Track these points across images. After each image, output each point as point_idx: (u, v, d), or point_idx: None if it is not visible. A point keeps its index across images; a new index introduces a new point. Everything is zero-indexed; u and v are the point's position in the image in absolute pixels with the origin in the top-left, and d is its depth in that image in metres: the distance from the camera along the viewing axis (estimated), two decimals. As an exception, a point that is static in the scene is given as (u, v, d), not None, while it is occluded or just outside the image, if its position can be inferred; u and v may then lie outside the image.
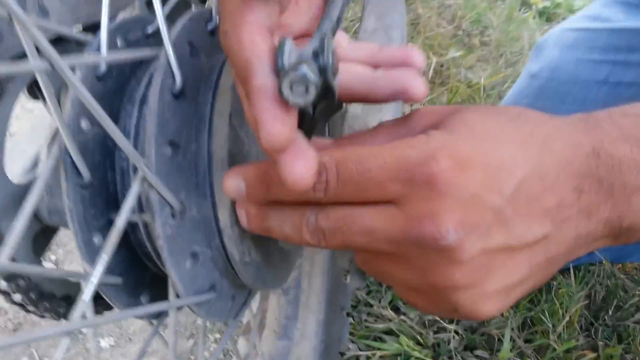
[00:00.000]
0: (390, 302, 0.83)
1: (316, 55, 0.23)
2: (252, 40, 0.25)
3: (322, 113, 0.28)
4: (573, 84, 0.72)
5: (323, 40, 0.24)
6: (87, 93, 0.26)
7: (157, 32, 0.36)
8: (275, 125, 0.23)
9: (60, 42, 0.40)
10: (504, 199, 0.26)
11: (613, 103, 0.68)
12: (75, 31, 0.45)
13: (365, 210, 0.27)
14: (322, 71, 0.23)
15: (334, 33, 0.27)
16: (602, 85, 0.71)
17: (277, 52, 0.24)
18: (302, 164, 0.24)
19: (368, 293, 0.84)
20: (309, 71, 0.22)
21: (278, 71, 0.24)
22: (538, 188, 0.27)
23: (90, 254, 0.31)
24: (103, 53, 0.32)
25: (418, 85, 0.29)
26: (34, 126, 0.45)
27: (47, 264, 0.86)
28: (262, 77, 0.24)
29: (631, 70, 0.69)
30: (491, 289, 0.28)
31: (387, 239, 0.27)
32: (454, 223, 0.25)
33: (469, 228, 0.26)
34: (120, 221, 0.28)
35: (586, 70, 0.72)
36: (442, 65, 1.41)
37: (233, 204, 0.31)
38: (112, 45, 0.34)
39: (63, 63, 0.24)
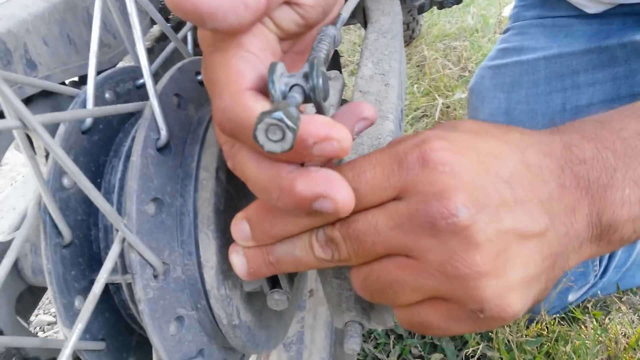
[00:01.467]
0: (399, 356, 0.79)
1: (306, 77, 0.23)
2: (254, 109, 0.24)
3: None
4: (534, 122, 0.70)
5: (313, 62, 0.23)
6: (62, 152, 0.24)
7: (147, 84, 0.35)
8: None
9: (51, 95, 0.40)
10: (503, 181, 0.26)
11: None
12: (67, 83, 0.45)
13: (372, 211, 0.26)
14: (312, 90, 0.23)
15: (325, 62, 0.27)
16: (562, 114, 0.69)
17: (268, 77, 0.23)
18: (344, 187, 0.24)
19: (376, 347, 0.80)
20: (285, 116, 0.21)
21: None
22: (528, 177, 0.27)
23: (70, 318, 0.29)
24: (89, 107, 0.31)
25: (366, 107, 0.29)
26: (25, 179, 0.44)
27: (46, 317, 0.84)
28: None
29: (583, 92, 0.67)
30: (514, 279, 0.26)
31: (397, 232, 0.25)
32: (462, 200, 0.24)
33: (479, 206, 0.25)
34: (98, 286, 0.26)
35: (540, 105, 0.70)
36: (448, 107, 1.41)
37: (219, 263, 0.30)
38: (100, 98, 0.34)
39: (36, 122, 0.23)
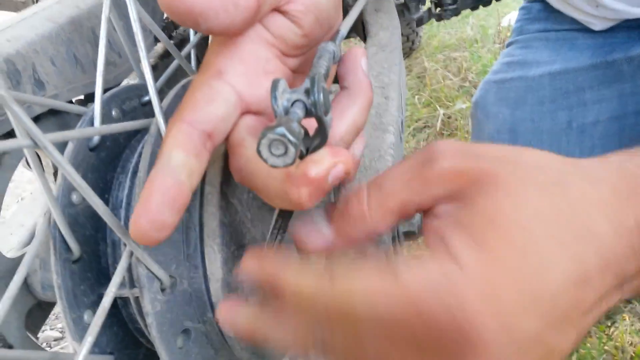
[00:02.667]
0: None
1: (307, 92, 0.24)
2: None
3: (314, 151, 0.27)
4: (540, 140, 0.69)
5: (314, 78, 0.24)
6: (72, 169, 0.25)
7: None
8: None
9: (59, 114, 0.41)
10: (542, 323, 0.22)
11: (589, 149, 0.65)
12: (74, 101, 0.46)
13: None
14: (313, 105, 0.24)
15: (325, 77, 0.27)
16: (569, 132, 0.68)
17: (270, 93, 0.24)
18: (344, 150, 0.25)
19: None
20: (287, 131, 0.22)
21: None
22: (580, 295, 0.22)
23: (80, 332, 0.30)
24: (96, 125, 0.32)
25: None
26: (33, 196, 0.45)
27: (52, 333, 0.85)
28: None
29: (590, 109, 0.66)
30: None
31: None
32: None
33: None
34: (107, 300, 0.27)
35: (546, 122, 0.68)
36: (449, 117, 1.41)
37: (225, 276, 0.30)
38: (106, 116, 0.34)
39: (46, 140, 0.24)
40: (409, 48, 1.64)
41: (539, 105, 0.67)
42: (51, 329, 0.87)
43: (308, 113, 0.24)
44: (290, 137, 0.21)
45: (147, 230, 0.23)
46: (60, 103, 0.32)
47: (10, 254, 0.37)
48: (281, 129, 0.21)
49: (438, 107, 1.43)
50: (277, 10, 0.28)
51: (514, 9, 1.86)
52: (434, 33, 1.84)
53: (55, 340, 0.87)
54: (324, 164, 0.24)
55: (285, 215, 0.29)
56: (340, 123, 0.28)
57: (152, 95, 0.32)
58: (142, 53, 0.32)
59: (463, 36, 1.81)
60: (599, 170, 0.25)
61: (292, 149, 0.21)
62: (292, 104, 0.24)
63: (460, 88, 1.53)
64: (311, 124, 0.25)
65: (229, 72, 0.27)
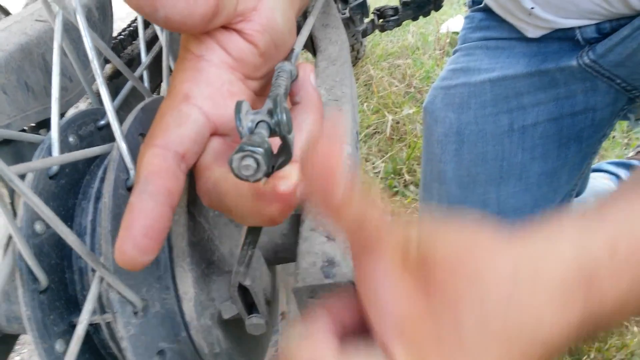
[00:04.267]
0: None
1: (270, 113, 0.25)
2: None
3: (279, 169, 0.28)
4: (484, 142, 0.72)
5: (275, 99, 0.25)
6: (37, 199, 0.25)
7: (109, 124, 0.36)
8: None
9: (12, 142, 0.40)
10: None
11: (530, 148, 0.69)
12: (27, 130, 0.45)
13: None
14: (277, 125, 0.25)
15: (285, 97, 0.29)
16: (511, 133, 0.71)
17: (235, 115, 0.25)
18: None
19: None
20: (258, 146, 0.23)
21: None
22: None
23: (51, 362, 0.30)
24: (55, 154, 0.32)
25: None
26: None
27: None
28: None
29: (529, 112, 0.70)
30: None
31: None
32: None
33: None
34: (81, 328, 0.27)
35: (489, 125, 0.72)
36: (397, 122, 1.45)
37: (197, 295, 0.31)
38: (63, 142, 0.34)
39: (10, 172, 0.24)
40: (355, 57, 1.67)
41: (482, 109, 0.71)
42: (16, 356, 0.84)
43: (272, 133, 0.25)
44: (261, 151, 0.23)
45: (133, 255, 0.24)
46: (16, 133, 0.31)
47: (-32, 289, 0.36)
48: (251, 145, 0.23)
49: (387, 113, 1.47)
50: (234, 29, 0.29)
51: (451, 16, 1.94)
52: (377, 42, 1.89)
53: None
54: (292, 179, 0.25)
55: (255, 232, 0.30)
56: (299, 137, 0.29)
57: (112, 120, 0.32)
58: (100, 79, 0.32)
59: (405, 44, 1.86)
60: (550, 261, 0.24)
61: (263, 162, 0.23)
62: (256, 125, 0.25)
63: (406, 94, 1.58)
64: (273, 142, 0.26)
65: (196, 95, 0.28)
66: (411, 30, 1.93)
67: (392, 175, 1.30)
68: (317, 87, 0.33)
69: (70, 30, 0.42)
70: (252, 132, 0.25)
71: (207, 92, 0.28)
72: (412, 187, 1.27)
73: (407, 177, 1.29)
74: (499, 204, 0.72)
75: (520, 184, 0.70)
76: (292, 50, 0.33)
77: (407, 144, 1.38)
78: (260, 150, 0.23)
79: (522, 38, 0.70)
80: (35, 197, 0.25)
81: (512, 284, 0.24)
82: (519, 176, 0.70)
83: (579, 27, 0.64)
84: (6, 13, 0.65)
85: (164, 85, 0.45)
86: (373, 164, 1.35)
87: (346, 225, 0.24)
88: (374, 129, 1.46)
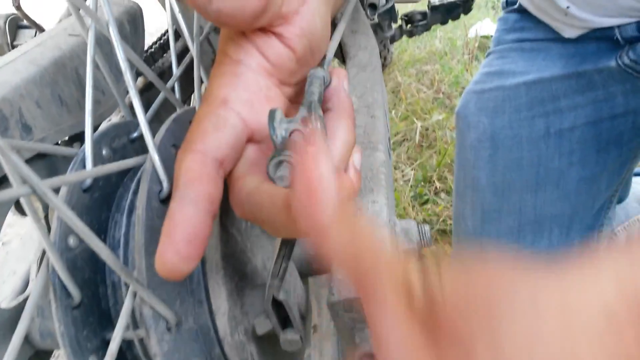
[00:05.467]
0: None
1: (304, 121, 0.25)
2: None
3: None
4: (520, 147, 0.70)
5: (310, 106, 0.25)
6: (72, 213, 0.25)
7: (142, 137, 0.36)
8: None
9: (46, 156, 0.40)
10: None
11: (568, 153, 0.66)
12: (60, 144, 0.45)
13: None
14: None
15: (319, 104, 0.28)
16: (547, 138, 0.69)
17: (269, 124, 0.24)
18: None
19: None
20: (292, 153, 0.23)
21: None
22: None
23: (85, 378, 0.29)
24: (88, 167, 0.32)
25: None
26: (23, 242, 0.44)
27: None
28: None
29: (566, 115, 0.68)
30: None
31: None
32: None
33: None
34: (114, 345, 0.26)
35: (524, 130, 0.70)
36: (427, 129, 1.43)
37: (230, 309, 0.30)
38: (97, 155, 0.34)
39: (45, 187, 0.24)
40: (382, 64, 1.67)
41: (517, 113, 0.69)
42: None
43: None
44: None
45: (174, 263, 0.23)
46: (50, 147, 0.31)
47: (4, 303, 0.36)
48: (285, 152, 0.22)
49: (415, 120, 1.45)
50: (273, 33, 0.29)
51: (479, 19, 1.91)
52: (404, 48, 1.87)
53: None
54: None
55: (289, 244, 0.29)
56: (335, 144, 0.28)
57: (145, 132, 0.32)
58: (133, 91, 0.32)
59: (432, 49, 1.84)
60: (589, 292, 0.19)
61: None
62: (290, 134, 0.25)
63: (435, 100, 1.56)
64: None
65: (234, 100, 0.27)
66: (438, 36, 1.91)
67: (422, 183, 1.28)
68: (349, 93, 0.32)
69: (103, 44, 0.42)
70: (285, 141, 0.24)
71: (245, 97, 0.28)
72: (443, 195, 1.25)
73: (437, 184, 1.26)
74: (535, 212, 0.69)
75: (558, 190, 0.68)
76: (324, 57, 0.32)
77: (437, 150, 1.36)
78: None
79: (559, 39, 0.68)
80: (69, 210, 0.25)
81: (536, 319, 0.18)
82: (556, 183, 0.68)
83: (618, 26, 0.62)
84: (40, 29, 0.66)
85: (195, 95, 0.45)
86: (402, 171, 1.33)
87: (336, 255, 0.20)
88: (403, 137, 1.44)
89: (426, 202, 1.24)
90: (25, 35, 0.68)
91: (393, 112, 1.53)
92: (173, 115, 0.36)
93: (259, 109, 0.28)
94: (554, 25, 0.68)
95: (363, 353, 0.25)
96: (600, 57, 0.64)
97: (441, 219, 1.17)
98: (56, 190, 0.31)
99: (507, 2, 0.78)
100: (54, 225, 0.29)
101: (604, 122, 0.65)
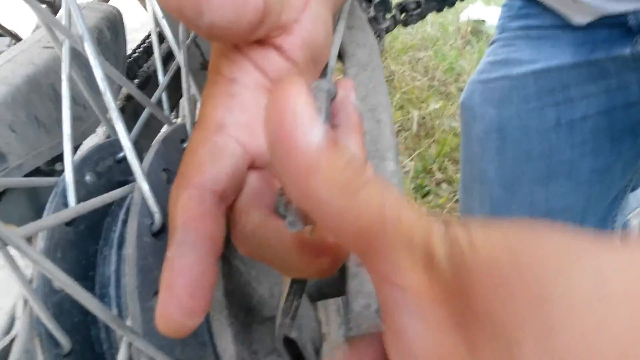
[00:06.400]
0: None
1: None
2: None
3: None
4: (529, 138, 0.67)
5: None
6: (50, 264, 0.22)
7: (129, 158, 0.33)
8: None
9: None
10: None
11: (580, 144, 0.63)
12: (42, 166, 0.42)
13: None
14: None
15: (327, 121, 0.25)
16: (558, 129, 0.66)
17: None
18: None
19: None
20: None
21: None
22: None
23: None
24: (70, 201, 0.29)
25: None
26: (6, 274, 0.41)
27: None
28: None
29: (577, 105, 0.65)
30: None
31: None
32: None
33: None
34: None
35: (533, 121, 0.67)
36: (424, 118, 1.40)
37: (238, 352, 0.27)
38: (80, 182, 0.31)
39: (17, 239, 0.20)
40: (374, 53, 1.63)
41: (525, 103, 0.66)
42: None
43: None
44: None
45: (178, 319, 0.20)
46: (26, 180, 0.28)
47: (-12, 346, 0.33)
48: None
49: (411, 109, 1.42)
50: (272, 45, 0.25)
51: (471, 3, 1.87)
52: (395, 35, 1.84)
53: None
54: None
55: (300, 281, 0.26)
56: None
57: (130, 158, 0.28)
58: (115, 113, 0.29)
59: (424, 35, 1.81)
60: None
61: None
62: None
63: (430, 88, 1.53)
64: None
65: (231, 124, 0.24)
66: (429, 21, 1.87)
67: (423, 174, 1.26)
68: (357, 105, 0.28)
69: (80, 55, 0.39)
70: None
71: (243, 120, 0.24)
72: (444, 185, 1.22)
73: (438, 175, 1.24)
74: (546, 205, 0.67)
75: (570, 182, 0.65)
76: (326, 66, 0.29)
77: (436, 139, 1.33)
78: None
79: (567, 26, 0.65)
80: (47, 262, 0.22)
81: (606, 306, 0.13)
82: (568, 174, 0.65)
83: (633, 12, 0.59)
84: (16, 38, 0.62)
85: (184, 103, 0.41)
86: (401, 163, 1.30)
87: (324, 208, 0.16)
88: (399, 127, 1.41)
89: (427, 193, 1.21)
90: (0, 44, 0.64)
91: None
92: (161, 135, 0.33)
93: (259, 133, 0.25)
94: (562, 11, 0.64)
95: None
96: (612, 45, 0.61)
97: (445, 212, 1.14)
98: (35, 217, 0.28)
99: None
100: (34, 271, 0.26)
101: (618, 110, 0.62)
